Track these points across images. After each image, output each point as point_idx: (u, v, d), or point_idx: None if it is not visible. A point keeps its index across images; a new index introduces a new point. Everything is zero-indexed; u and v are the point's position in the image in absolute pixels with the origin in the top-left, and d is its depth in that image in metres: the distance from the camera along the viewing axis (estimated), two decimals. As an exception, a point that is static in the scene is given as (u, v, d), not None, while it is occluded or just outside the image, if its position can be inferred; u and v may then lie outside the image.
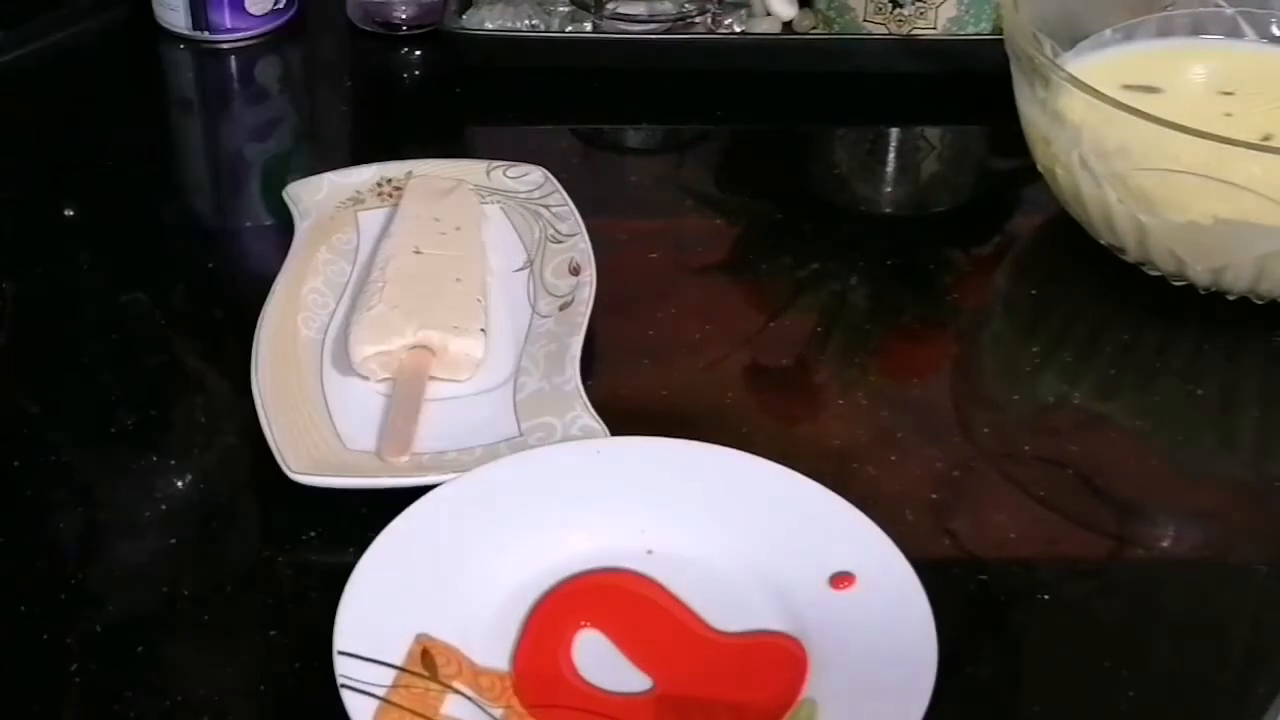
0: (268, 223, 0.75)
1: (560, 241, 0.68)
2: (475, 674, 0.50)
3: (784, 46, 0.85)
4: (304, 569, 0.56)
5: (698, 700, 0.50)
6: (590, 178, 0.79)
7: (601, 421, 0.58)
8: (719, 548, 0.54)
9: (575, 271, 0.66)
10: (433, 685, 0.49)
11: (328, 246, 0.69)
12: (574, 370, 0.61)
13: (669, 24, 0.85)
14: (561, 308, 0.65)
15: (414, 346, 0.62)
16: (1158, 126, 0.63)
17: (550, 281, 0.67)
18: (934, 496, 0.59)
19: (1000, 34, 0.72)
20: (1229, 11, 0.77)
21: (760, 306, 0.70)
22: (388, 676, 0.48)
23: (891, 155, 0.84)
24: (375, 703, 0.47)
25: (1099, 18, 0.76)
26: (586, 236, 0.68)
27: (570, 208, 0.70)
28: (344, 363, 0.63)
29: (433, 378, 0.62)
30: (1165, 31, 0.77)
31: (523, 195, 0.72)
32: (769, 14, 0.85)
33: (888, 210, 0.80)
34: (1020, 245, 0.77)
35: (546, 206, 0.71)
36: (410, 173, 0.73)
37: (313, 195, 0.72)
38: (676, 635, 0.51)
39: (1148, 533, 0.60)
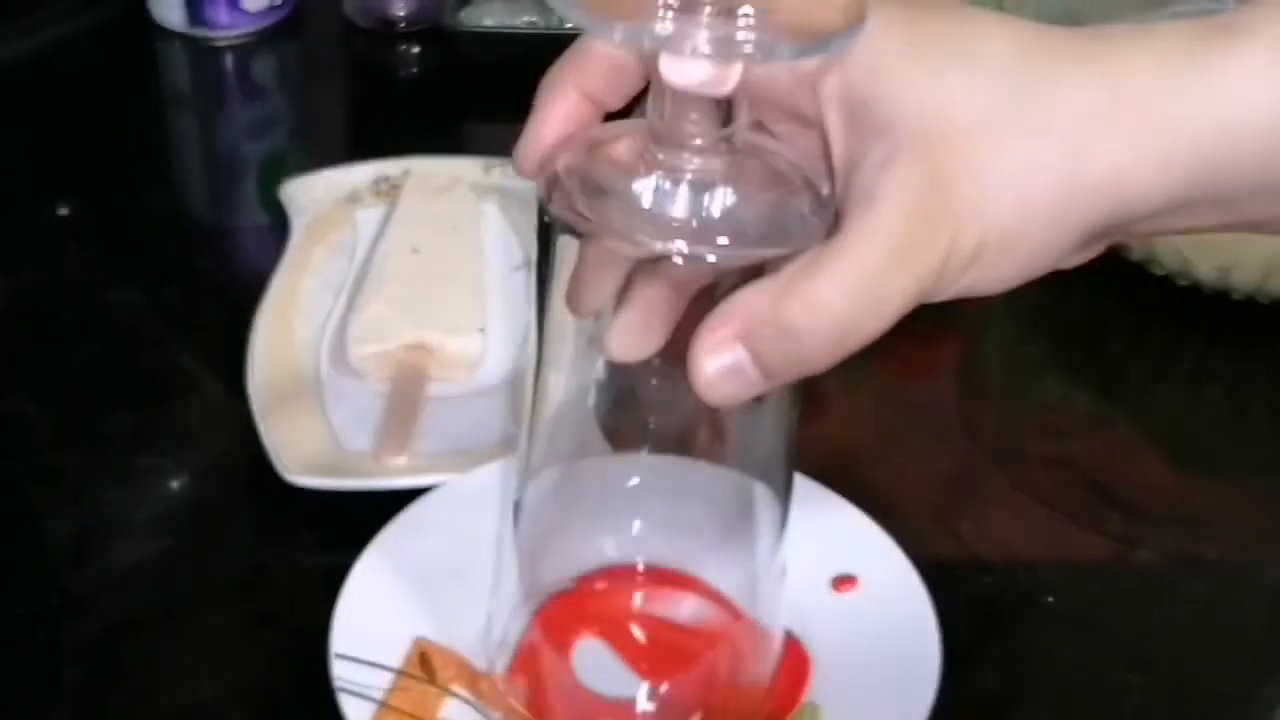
0: (264, 221, 0.74)
1: None
2: (474, 677, 0.49)
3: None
4: (300, 571, 0.55)
5: (697, 706, 0.49)
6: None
7: (604, 437, 0.57)
8: (720, 550, 0.53)
9: None
10: (431, 688, 0.48)
11: (325, 245, 0.68)
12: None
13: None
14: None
15: (411, 346, 0.62)
16: (1163, 124, 0.62)
17: None
18: (937, 498, 0.59)
19: (1003, 32, 0.72)
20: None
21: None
22: (385, 680, 0.48)
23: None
24: (372, 706, 0.47)
25: (1102, 17, 0.76)
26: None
27: None
28: (341, 362, 0.62)
29: (430, 377, 0.62)
30: (1170, 29, 0.77)
31: (522, 194, 0.72)
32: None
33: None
34: (1023, 244, 0.76)
35: None
36: (408, 171, 0.72)
37: (309, 193, 0.71)
38: (677, 640, 0.51)
39: (1153, 535, 0.59)
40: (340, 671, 0.48)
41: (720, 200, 0.38)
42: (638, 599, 0.52)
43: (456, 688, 0.49)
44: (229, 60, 0.87)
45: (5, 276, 0.69)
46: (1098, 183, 0.35)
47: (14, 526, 0.57)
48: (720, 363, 0.36)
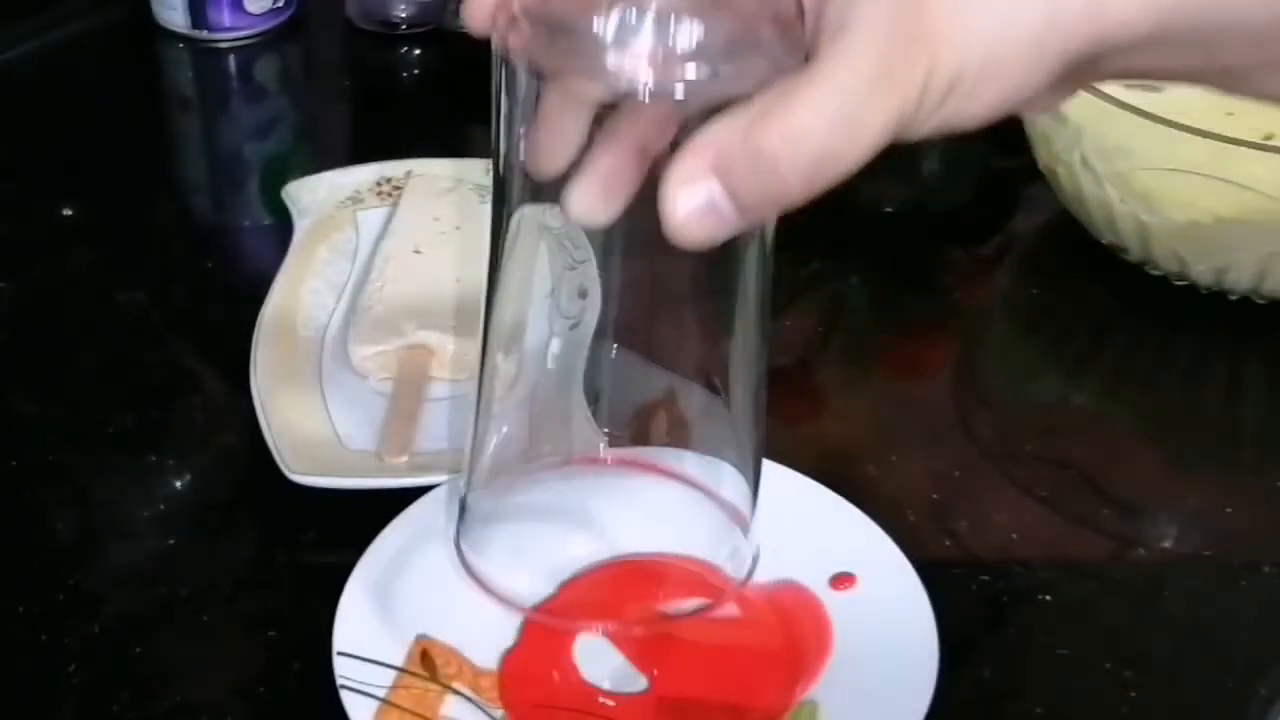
0: (267, 222, 0.75)
1: (573, 269, 0.68)
2: (475, 674, 0.49)
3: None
4: (303, 569, 0.55)
5: (697, 701, 0.49)
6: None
7: (595, 425, 0.58)
8: (720, 549, 0.53)
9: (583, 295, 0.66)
10: (432, 686, 0.49)
11: (327, 246, 0.69)
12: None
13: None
14: (570, 327, 0.65)
15: (413, 346, 0.62)
16: (1159, 125, 0.62)
17: (564, 305, 0.66)
18: (935, 497, 0.59)
19: (1001, 33, 0.72)
20: (1231, 10, 0.77)
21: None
22: (387, 677, 0.48)
23: (891, 154, 0.83)
24: (375, 703, 0.47)
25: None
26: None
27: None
28: (343, 362, 0.62)
29: (432, 378, 0.62)
30: (1167, 30, 0.77)
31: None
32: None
33: (888, 210, 0.80)
34: (1021, 245, 0.77)
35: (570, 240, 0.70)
36: (410, 172, 0.72)
37: (312, 194, 0.71)
38: (676, 635, 0.51)
39: (1150, 533, 0.60)
40: (343, 669, 0.48)
41: (686, 33, 0.36)
42: (638, 593, 0.52)
43: (458, 685, 0.49)
44: (232, 62, 0.87)
45: (11, 277, 0.70)
46: (1079, 8, 0.34)
47: (19, 525, 0.57)
48: (693, 201, 0.35)
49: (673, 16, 0.36)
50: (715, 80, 0.36)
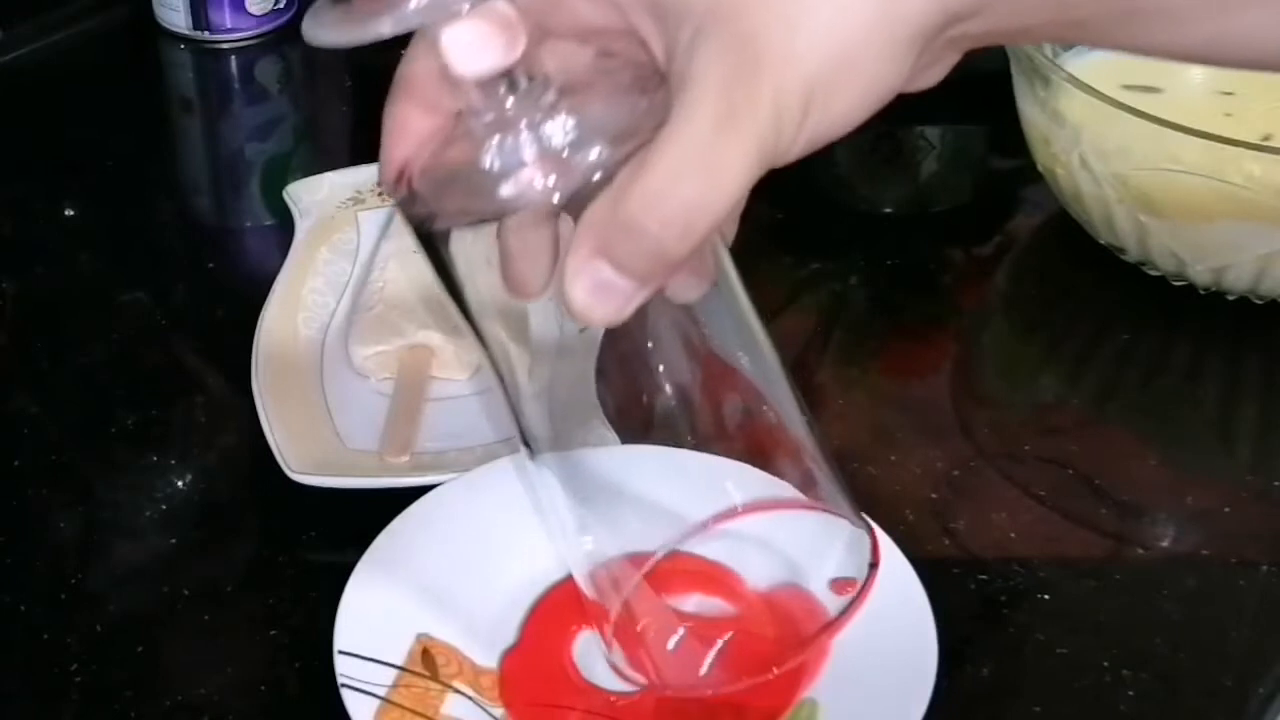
0: (268, 222, 0.75)
1: None
2: (476, 673, 0.50)
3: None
4: (304, 569, 0.56)
5: (697, 698, 0.50)
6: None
7: (610, 427, 0.58)
8: (719, 548, 0.54)
9: None
10: (433, 685, 0.49)
11: (328, 246, 0.69)
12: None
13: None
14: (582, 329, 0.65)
15: (414, 346, 0.62)
16: (1157, 126, 0.63)
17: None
18: (934, 496, 0.59)
19: (1000, 34, 0.72)
20: (1229, 11, 0.77)
21: (760, 306, 0.70)
22: (388, 676, 0.48)
23: (891, 155, 0.84)
24: (376, 702, 0.47)
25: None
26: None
27: None
28: (344, 362, 0.63)
29: (433, 378, 0.62)
30: (1165, 31, 0.77)
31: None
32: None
33: (888, 210, 0.80)
34: (1020, 245, 0.77)
35: None
36: (410, 173, 0.73)
37: (313, 195, 0.72)
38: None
39: (1148, 532, 0.60)
40: (344, 668, 0.48)
41: (561, 129, 0.37)
42: (640, 589, 0.52)
43: (458, 684, 0.49)
44: (233, 63, 0.88)
45: (13, 277, 0.70)
46: None
47: (22, 524, 0.57)
48: (587, 285, 0.35)
49: (546, 116, 0.37)
50: (601, 158, 0.36)
